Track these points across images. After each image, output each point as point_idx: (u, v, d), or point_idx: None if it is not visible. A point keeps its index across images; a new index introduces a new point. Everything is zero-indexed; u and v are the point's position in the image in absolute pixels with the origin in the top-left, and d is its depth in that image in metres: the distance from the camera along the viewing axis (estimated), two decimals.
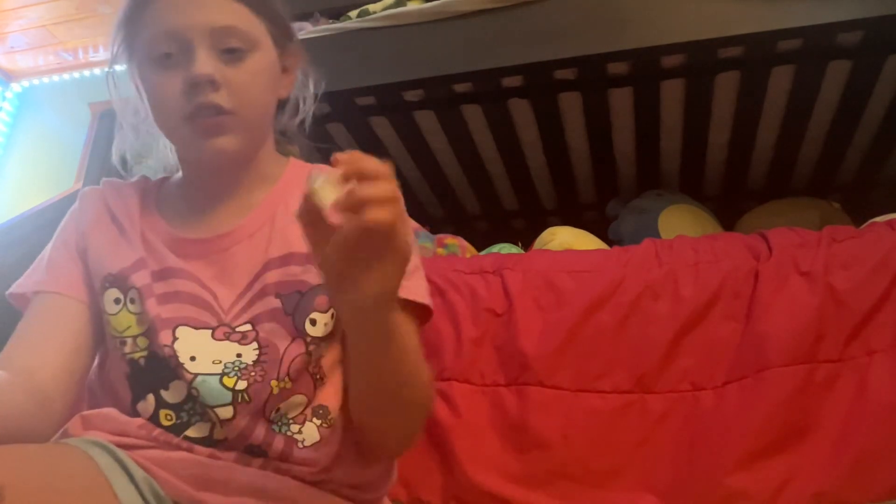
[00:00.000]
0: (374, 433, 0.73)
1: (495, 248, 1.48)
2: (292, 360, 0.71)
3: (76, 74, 3.92)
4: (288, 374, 0.70)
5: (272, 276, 0.73)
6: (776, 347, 0.92)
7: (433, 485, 0.97)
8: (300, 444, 0.70)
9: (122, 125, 0.87)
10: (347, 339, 0.70)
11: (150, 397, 0.70)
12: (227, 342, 0.71)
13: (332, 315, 0.73)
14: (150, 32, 0.73)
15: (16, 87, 4.04)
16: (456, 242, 1.59)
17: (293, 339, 0.71)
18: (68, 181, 3.47)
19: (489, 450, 0.97)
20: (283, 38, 0.79)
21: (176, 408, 0.69)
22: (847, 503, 0.83)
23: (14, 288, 0.76)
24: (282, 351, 0.70)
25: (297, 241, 0.72)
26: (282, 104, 0.84)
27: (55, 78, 3.97)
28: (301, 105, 0.87)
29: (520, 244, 1.59)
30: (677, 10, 1.31)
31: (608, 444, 0.95)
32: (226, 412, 0.68)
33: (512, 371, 1.01)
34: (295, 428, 0.71)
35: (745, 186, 1.87)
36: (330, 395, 0.74)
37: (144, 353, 0.71)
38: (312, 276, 0.73)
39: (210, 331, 0.71)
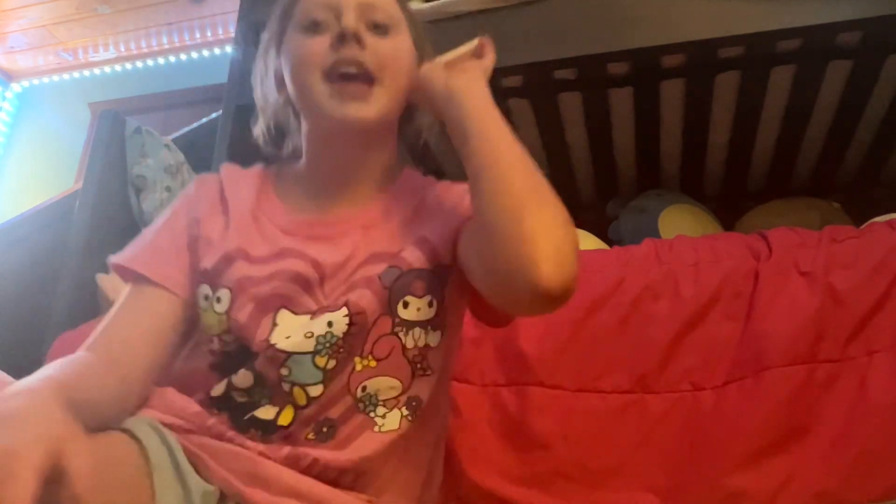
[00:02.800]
0: (522, 232, 0.62)
1: None
2: (377, 340, 0.72)
3: (76, 74, 3.92)
4: (372, 354, 0.72)
5: (375, 268, 0.74)
6: (776, 347, 0.92)
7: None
8: (376, 429, 0.72)
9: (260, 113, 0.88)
10: (462, 135, 0.71)
11: (224, 382, 0.72)
12: (321, 316, 0.72)
13: (430, 303, 0.74)
14: (304, 5, 0.78)
15: (16, 87, 4.04)
16: None
17: (382, 314, 0.72)
18: (68, 181, 3.48)
19: (489, 450, 0.97)
20: (421, 42, 0.84)
21: (247, 391, 0.71)
22: (847, 503, 0.83)
23: (118, 259, 0.78)
24: (370, 323, 0.72)
25: (407, 240, 0.76)
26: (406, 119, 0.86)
27: (55, 78, 3.98)
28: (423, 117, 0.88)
29: None
30: (677, 10, 1.31)
31: (608, 444, 0.95)
32: (315, 390, 0.70)
33: (512, 371, 1.00)
34: (381, 411, 0.73)
35: (745, 186, 1.87)
36: (427, 389, 0.75)
37: (234, 346, 0.73)
38: (415, 260, 0.74)
39: (308, 315, 0.72)
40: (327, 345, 0.70)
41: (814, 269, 0.96)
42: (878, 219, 1.17)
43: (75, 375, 0.64)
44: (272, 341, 0.71)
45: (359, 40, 0.74)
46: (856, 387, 0.88)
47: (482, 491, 0.94)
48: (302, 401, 0.70)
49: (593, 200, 1.97)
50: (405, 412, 0.74)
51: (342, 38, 0.74)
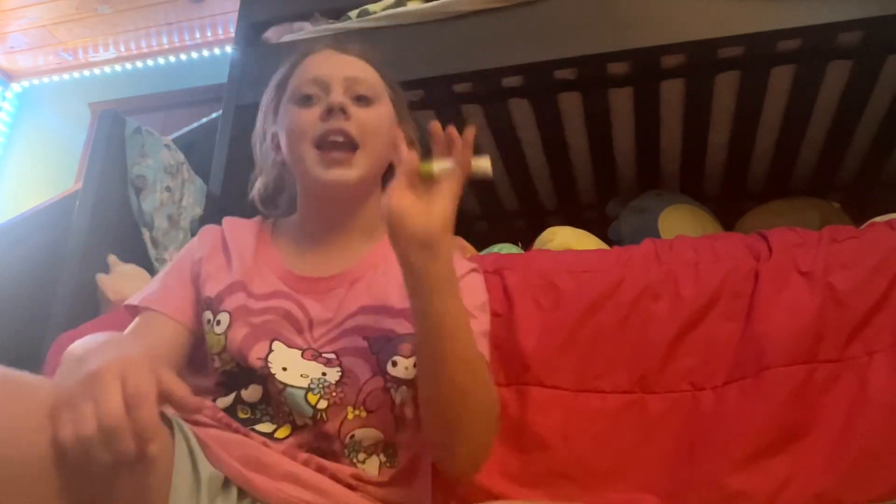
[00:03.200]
0: (446, 441, 0.78)
1: (495, 248, 1.48)
2: (369, 393, 0.79)
3: (76, 74, 3.92)
4: (364, 405, 0.79)
5: (364, 320, 0.82)
6: (776, 347, 0.92)
7: (433, 484, 0.97)
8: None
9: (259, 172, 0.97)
10: (415, 323, 0.74)
11: (232, 395, 0.79)
12: (314, 363, 0.79)
13: (415, 363, 0.80)
14: (296, 80, 0.88)
15: (16, 87, 4.04)
16: (456, 243, 1.59)
17: (373, 375, 0.79)
18: (68, 181, 3.48)
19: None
20: (401, 109, 0.93)
21: (252, 406, 0.79)
22: (847, 503, 0.83)
23: (130, 300, 0.87)
24: (361, 382, 0.79)
25: (394, 296, 0.82)
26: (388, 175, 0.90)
27: (55, 78, 3.98)
28: None
29: (520, 244, 1.59)
30: (677, 10, 1.31)
31: (608, 444, 0.95)
32: (307, 421, 0.77)
33: (512, 371, 1.00)
34: (361, 457, 0.79)
35: (745, 186, 1.87)
36: (407, 441, 0.82)
37: (231, 365, 0.80)
38: (402, 327, 0.81)
39: (300, 351, 0.80)
40: (320, 385, 0.78)
41: (814, 269, 0.96)
42: (878, 219, 1.17)
43: None
44: (270, 366, 0.78)
45: (345, 112, 0.83)
46: (856, 387, 0.88)
47: (482, 491, 0.94)
48: (300, 422, 0.77)
49: (593, 200, 1.97)
50: (382, 458, 0.81)
51: (330, 111, 0.83)
